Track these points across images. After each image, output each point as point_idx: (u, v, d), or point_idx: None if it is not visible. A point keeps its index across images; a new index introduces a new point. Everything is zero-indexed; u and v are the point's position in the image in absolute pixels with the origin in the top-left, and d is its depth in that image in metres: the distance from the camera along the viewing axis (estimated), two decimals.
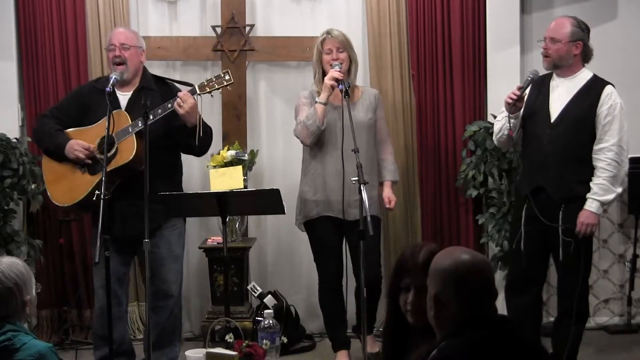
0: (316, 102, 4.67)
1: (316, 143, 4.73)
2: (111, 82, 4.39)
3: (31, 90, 5.46)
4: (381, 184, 4.91)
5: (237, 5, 5.41)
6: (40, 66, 5.45)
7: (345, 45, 4.76)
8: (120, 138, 4.37)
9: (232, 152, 5.19)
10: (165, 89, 4.62)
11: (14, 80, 5.42)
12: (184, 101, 4.36)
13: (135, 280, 5.35)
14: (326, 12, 5.53)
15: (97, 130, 4.47)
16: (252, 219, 5.51)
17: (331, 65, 4.68)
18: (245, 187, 4.96)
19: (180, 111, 4.36)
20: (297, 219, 4.90)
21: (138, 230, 4.26)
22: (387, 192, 4.85)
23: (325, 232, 4.76)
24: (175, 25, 5.55)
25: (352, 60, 4.78)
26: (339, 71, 4.60)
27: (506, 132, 4.46)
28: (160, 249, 4.50)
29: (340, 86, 4.53)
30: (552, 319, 5.01)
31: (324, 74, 4.70)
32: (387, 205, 4.83)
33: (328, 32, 4.80)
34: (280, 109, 5.59)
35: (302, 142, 4.80)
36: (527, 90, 4.42)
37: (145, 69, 4.66)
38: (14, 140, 5.24)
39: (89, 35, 5.42)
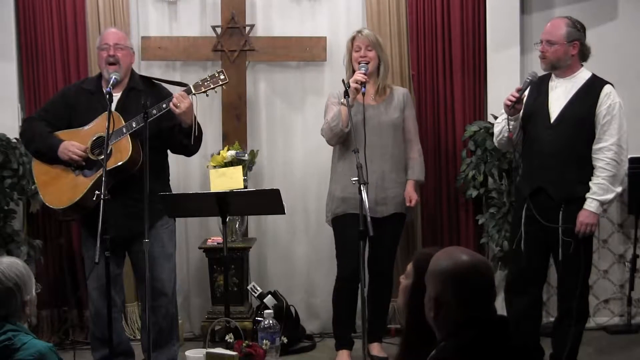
0: (341, 103, 4.70)
1: (343, 143, 4.82)
2: (111, 82, 4.38)
3: (31, 90, 5.46)
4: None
5: (237, 5, 5.41)
6: (40, 66, 5.44)
7: (374, 44, 4.83)
8: (114, 139, 4.34)
9: (232, 152, 5.20)
10: (153, 89, 4.61)
11: (14, 80, 5.41)
12: (180, 101, 4.35)
13: (135, 280, 5.35)
14: (326, 12, 5.53)
15: (88, 132, 4.46)
16: (252, 219, 5.51)
17: (359, 63, 4.76)
18: (245, 187, 4.96)
19: (177, 111, 4.35)
20: (327, 216, 4.98)
21: (130, 230, 4.26)
22: (409, 191, 4.90)
23: (349, 230, 4.73)
24: (175, 25, 5.55)
25: (381, 60, 4.84)
26: (364, 73, 4.67)
27: (506, 135, 4.46)
28: (154, 248, 4.46)
29: (364, 89, 4.61)
30: (552, 319, 5.01)
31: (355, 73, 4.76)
32: (407, 204, 4.88)
33: (359, 31, 4.90)
34: (280, 109, 5.59)
35: (327, 142, 4.87)
36: (526, 92, 4.42)
37: (132, 70, 4.66)
38: (14, 140, 5.24)
39: (89, 35, 5.41)
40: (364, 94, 4.63)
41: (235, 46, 5.41)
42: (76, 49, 5.43)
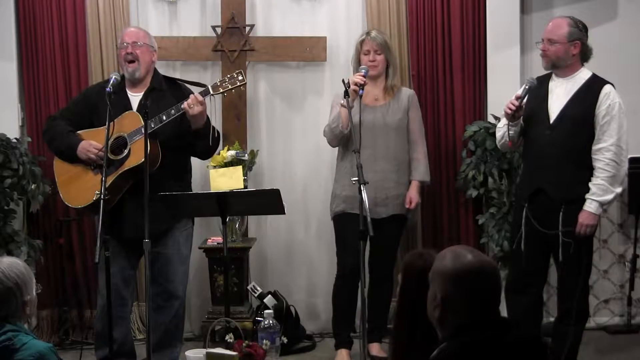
0: (341, 104, 4.67)
1: (345, 143, 4.84)
2: (111, 82, 4.35)
3: (31, 90, 5.46)
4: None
5: (237, 5, 5.41)
6: (40, 66, 5.44)
7: (382, 47, 4.86)
8: (133, 139, 4.36)
9: (232, 152, 5.20)
10: (176, 90, 4.59)
11: (14, 80, 5.42)
12: (194, 103, 4.34)
13: (136, 280, 5.34)
14: (326, 12, 5.53)
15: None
16: (252, 219, 5.52)
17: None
18: (245, 187, 4.96)
19: (190, 112, 4.34)
20: (330, 214, 5.01)
21: (149, 231, 4.27)
22: (410, 192, 4.91)
23: (348, 228, 4.75)
24: (175, 25, 5.55)
25: (389, 63, 4.88)
26: (364, 76, 4.65)
27: (507, 139, 4.46)
28: (169, 250, 4.49)
29: (361, 91, 4.60)
30: (552, 319, 5.01)
31: None
32: (407, 205, 4.87)
33: (367, 33, 4.92)
34: (280, 109, 5.60)
35: (328, 143, 4.91)
36: (526, 99, 4.40)
37: (156, 70, 4.66)
38: (14, 140, 5.24)
39: (89, 35, 5.42)
40: (361, 96, 4.62)
41: (235, 46, 5.41)
42: (76, 49, 5.44)
